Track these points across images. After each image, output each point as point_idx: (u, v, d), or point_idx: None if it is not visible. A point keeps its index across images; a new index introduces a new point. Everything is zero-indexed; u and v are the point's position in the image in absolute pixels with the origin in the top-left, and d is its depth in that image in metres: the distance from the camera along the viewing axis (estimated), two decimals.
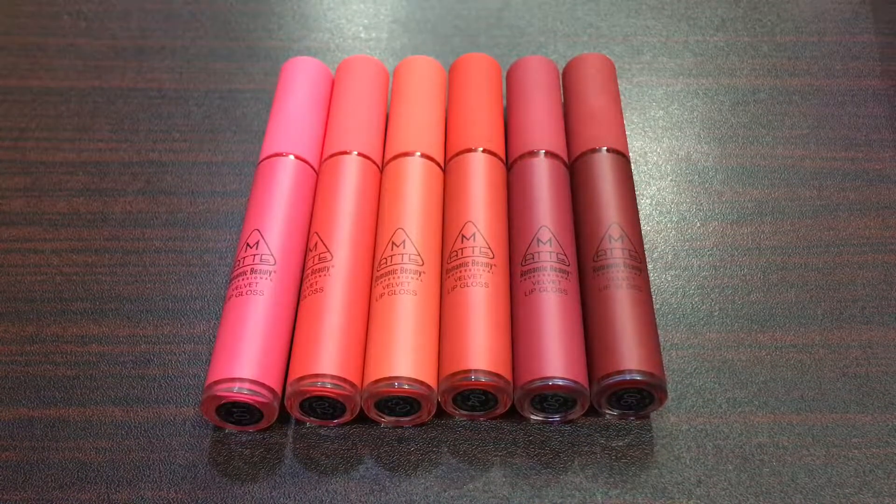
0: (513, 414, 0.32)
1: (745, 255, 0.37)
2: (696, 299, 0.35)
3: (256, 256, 0.33)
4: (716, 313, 0.35)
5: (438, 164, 0.37)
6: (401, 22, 0.47)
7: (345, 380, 0.30)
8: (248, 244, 0.33)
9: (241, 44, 0.46)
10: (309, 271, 0.33)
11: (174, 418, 0.32)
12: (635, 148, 0.41)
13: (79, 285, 0.36)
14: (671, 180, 0.39)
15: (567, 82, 0.40)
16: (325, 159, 0.37)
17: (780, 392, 0.32)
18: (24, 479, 0.30)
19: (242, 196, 0.39)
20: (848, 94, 0.43)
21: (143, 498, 0.30)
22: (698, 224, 0.38)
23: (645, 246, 0.36)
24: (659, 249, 0.37)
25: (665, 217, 0.38)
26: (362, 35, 0.46)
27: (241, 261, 0.33)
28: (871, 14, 0.47)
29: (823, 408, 0.32)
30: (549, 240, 0.33)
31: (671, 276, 0.36)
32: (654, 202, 0.39)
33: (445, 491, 0.30)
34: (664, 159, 0.40)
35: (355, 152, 0.36)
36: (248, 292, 0.32)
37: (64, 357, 0.34)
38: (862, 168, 0.40)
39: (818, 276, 0.36)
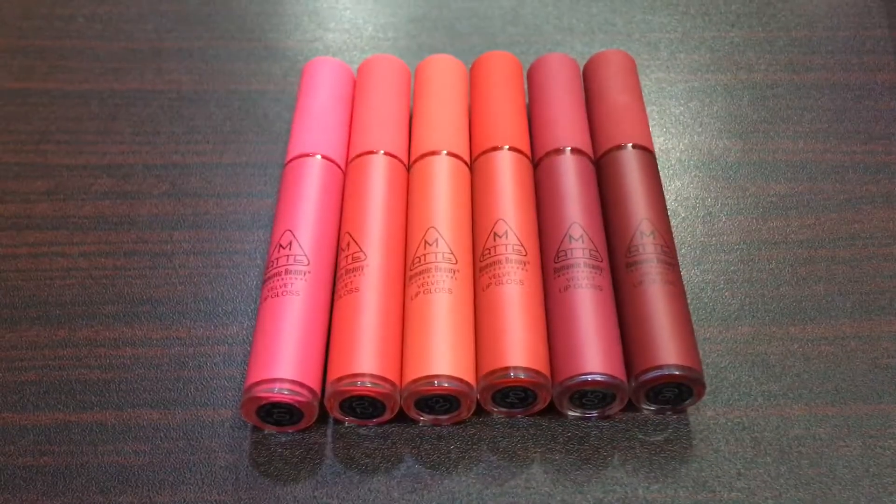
0: (550, 410, 0.32)
1: (772, 249, 0.37)
2: (727, 294, 0.35)
3: (290, 257, 0.33)
4: (746, 307, 0.35)
5: (465, 163, 0.37)
6: (417, 21, 0.47)
7: (384, 378, 0.30)
8: (280, 245, 0.33)
9: (259, 44, 0.46)
10: (342, 271, 0.33)
11: (212, 420, 0.32)
12: (657, 144, 0.41)
13: (109, 289, 0.36)
14: (694, 176, 0.40)
15: (588, 79, 0.40)
16: (352, 159, 0.37)
17: (813, 384, 0.33)
18: (65, 483, 0.30)
19: (267, 197, 0.39)
20: (864, 88, 0.43)
21: (185, 500, 0.30)
22: (724, 219, 0.38)
23: None
24: (687, 245, 0.37)
25: (691, 213, 0.38)
26: (379, 34, 0.46)
27: (275, 262, 0.33)
28: (884, 8, 0.47)
29: (857, 399, 0.32)
30: (581, 236, 0.33)
31: (700, 270, 0.36)
32: (678, 198, 0.39)
33: (487, 488, 0.30)
34: (687, 155, 0.41)
35: (382, 151, 0.36)
36: (284, 293, 0.32)
37: (98, 360, 0.34)
38: (882, 161, 0.40)
39: (845, 268, 0.36)
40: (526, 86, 0.41)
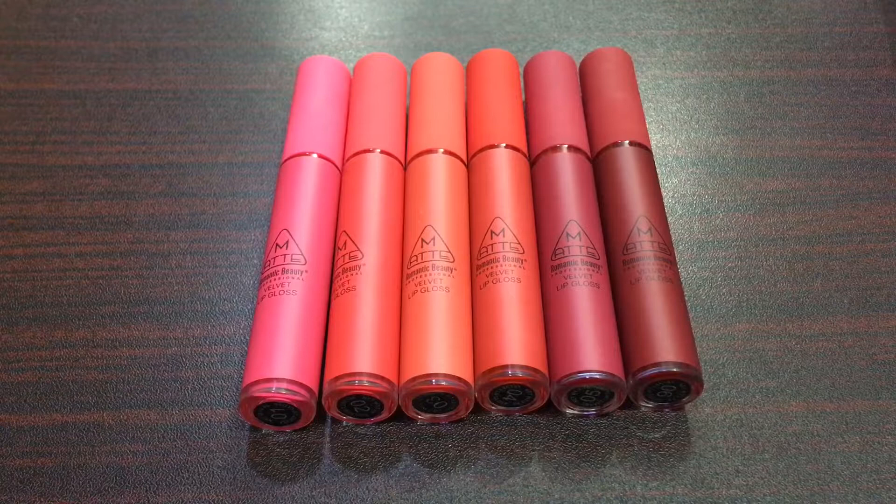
0: (548, 408, 0.32)
1: (769, 245, 0.37)
2: (724, 290, 0.35)
3: (287, 256, 0.33)
4: (744, 304, 0.35)
5: (462, 161, 0.37)
6: (413, 19, 0.47)
7: (382, 377, 0.30)
8: (277, 244, 0.33)
9: (255, 43, 0.45)
10: (339, 270, 0.33)
11: (209, 420, 0.32)
12: (654, 141, 0.41)
13: (106, 289, 0.36)
14: (691, 172, 0.40)
15: (585, 76, 0.40)
16: (349, 158, 0.37)
17: (811, 381, 0.33)
18: (62, 485, 0.30)
19: (264, 196, 0.39)
20: (861, 83, 0.43)
21: (183, 500, 0.30)
22: (721, 215, 0.38)
23: None
24: (684, 242, 0.37)
25: (688, 210, 0.38)
26: (375, 33, 0.46)
27: (272, 261, 0.33)
28: (880, 4, 0.47)
29: (855, 395, 0.32)
30: (579, 234, 0.33)
31: (697, 267, 0.36)
32: (675, 195, 0.39)
33: (485, 486, 0.30)
34: (683, 152, 0.41)
35: (378, 150, 0.36)
36: (281, 292, 0.32)
37: (95, 361, 0.33)
38: (879, 157, 0.40)
39: (843, 264, 0.36)
40: (522, 83, 0.41)
